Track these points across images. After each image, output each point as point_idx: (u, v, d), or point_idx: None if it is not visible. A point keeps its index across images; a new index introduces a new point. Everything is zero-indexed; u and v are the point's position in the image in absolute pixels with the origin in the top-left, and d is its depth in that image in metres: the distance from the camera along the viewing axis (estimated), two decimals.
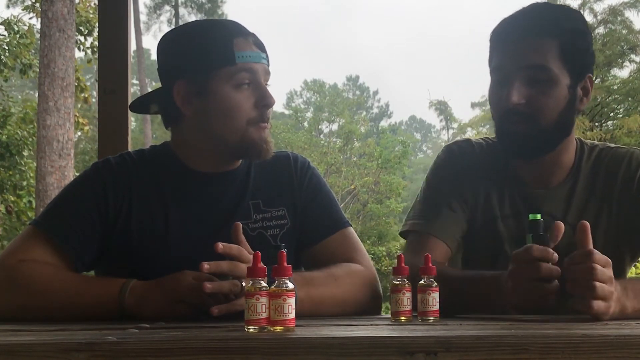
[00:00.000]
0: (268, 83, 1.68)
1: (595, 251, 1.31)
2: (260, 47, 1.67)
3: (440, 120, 32.62)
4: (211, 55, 1.61)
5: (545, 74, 1.62)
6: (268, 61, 1.69)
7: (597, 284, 1.28)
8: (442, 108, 28.20)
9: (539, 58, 1.62)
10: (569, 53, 1.62)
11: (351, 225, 1.79)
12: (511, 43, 1.65)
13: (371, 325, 1.30)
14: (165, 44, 1.70)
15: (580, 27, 1.67)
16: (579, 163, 1.76)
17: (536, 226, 1.37)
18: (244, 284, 1.36)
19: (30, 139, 11.52)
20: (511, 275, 1.35)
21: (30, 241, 1.60)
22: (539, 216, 1.37)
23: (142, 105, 1.83)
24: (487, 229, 1.76)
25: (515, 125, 1.65)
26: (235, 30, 1.65)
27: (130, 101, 2.66)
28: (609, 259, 1.32)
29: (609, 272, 1.31)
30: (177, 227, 1.65)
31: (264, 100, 1.63)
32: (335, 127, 26.08)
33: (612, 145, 1.81)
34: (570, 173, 1.75)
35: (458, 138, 1.90)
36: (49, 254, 1.58)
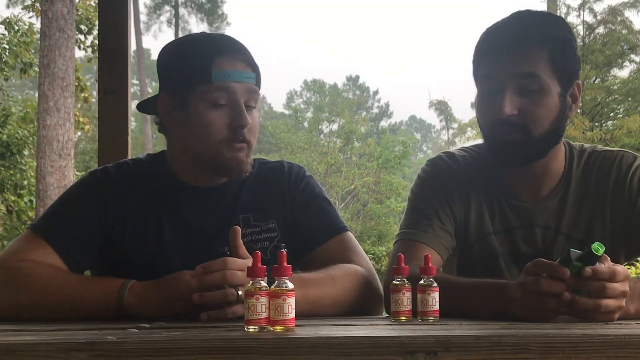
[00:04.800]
0: (252, 104, 1.65)
1: (618, 269, 1.31)
2: (250, 66, 1.64)
3: (440, 120, 32.61)
4: (189, 71, 1.62)
5: (536, 83, 1.61)
6: (257, 80, 1.66)
7: (607, 301, 1.29)
8: (442, 108, 28.19)
9: (530, 66, 1.61)
10: (557, 61, 1.62)
11: (350, 231, 1.77)
12: (500, 52, 1.63)
13: (371, 325, 1.30)
14: (161, 53, 1.73)
15: (566, 34, 1.66)
16: (569, 169, 1.75)
17: (593, 259, 1.30)
18: (240, 292, 1.36)
19: (31, 138, 11.52)
20: (522, 286, 1.34)
21: (29, 244, 1.61)
22: (602, 251, 1.29)
23: (148, 106, 1.84)
24: (481, 245, 1.75)
25: (508, 135, 1.64)
26: (222, 47, 1.63)
27: (130, 101, 2.68)
28: (628, 272, 1.32)
29: (624, 286, 1.31)
30: (169, 239, 1.66)
31: (237, 121, 1.61)
32: (335, 127, 26.08)
33: (601, 147, 1.80)
34: (561, 181, 1.74)
35: (441, 152, 1.87)
36: (47, 256, 1.59)
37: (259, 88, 1.69)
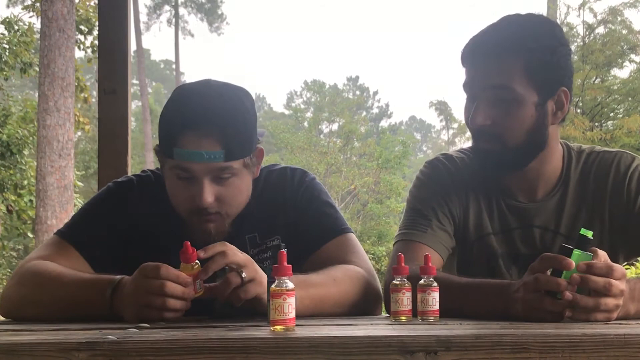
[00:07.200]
0: (225, 176, 1.57)
1: (615, 266, 1.31)
2: (221, 141, 1.53)
3: (440, 120, 32.67)
4: (161, 141, 1.61)
5: (509, 94, 1.61)
6: (229, 155, 1.54)
7: (606, 300, 1.30)
8: (442, 108, 28.23)
9: (503, 78, 1.61)
10: (534, 71, 1.61)
11: (351, 232, 1.75)
12: (477, 61, 1.65)
13: (371, 324, 1.31)
14: None
15: (547, 42, 1.63)
16: (567, 171, 1.75)
17: (585, 242, 1.34)
18: (244, 275, 1.36)
19: (31, 138, 11.52)
20: (523, 286, 1.35)
21: (52, 247, 1.66)
22: (590, 234, 1.33)
23: None
24: (480, 246, 1.76)
25: (484, 144, 1.67)
26: (190, 121, 1.54)
27: (130, 101, 2.68)
28: (625, 271, 1.33)
29: (622, 284, 1.31)
30: (173, 264, 1.63)
31: (193, 199, 1.57)
32: (335, 127, 26.06)
33: (599, 148, 1.80)
34: (559, 182, 1.75)
35: (440, 154, 1.89)
36: (70, 258, 1.62)
37: (242, 157, 1.58)
